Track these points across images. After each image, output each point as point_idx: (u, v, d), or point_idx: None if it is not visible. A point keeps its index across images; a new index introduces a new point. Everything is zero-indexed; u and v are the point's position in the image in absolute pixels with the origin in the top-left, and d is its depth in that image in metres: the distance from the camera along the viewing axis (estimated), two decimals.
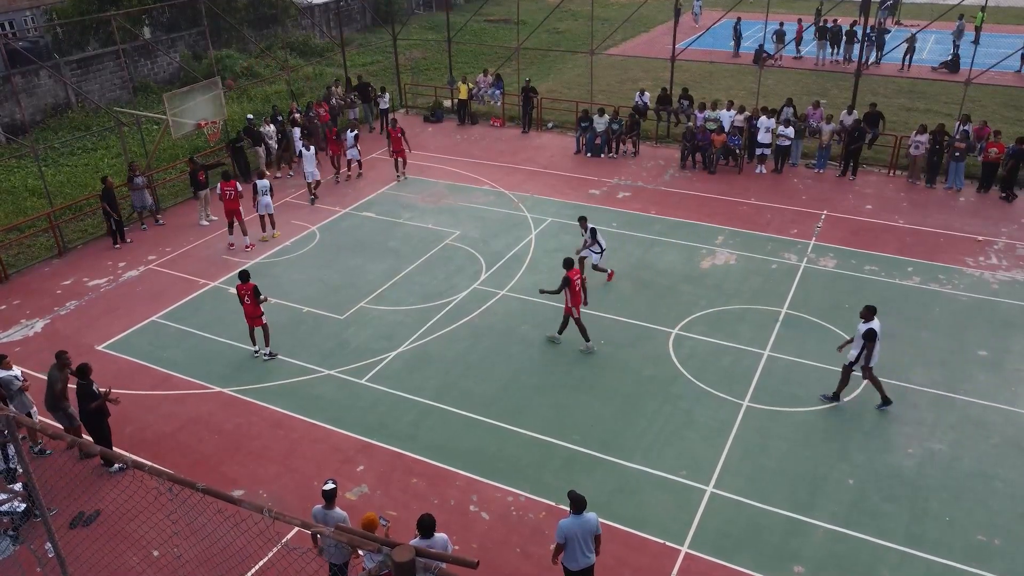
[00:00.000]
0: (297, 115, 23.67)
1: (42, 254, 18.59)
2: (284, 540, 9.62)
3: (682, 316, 15.03)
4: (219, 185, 18.24)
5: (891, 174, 21.84)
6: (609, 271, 16.38)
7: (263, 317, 13.91)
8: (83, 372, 11.16)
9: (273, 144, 22.79)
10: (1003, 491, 10.75)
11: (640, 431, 12.05)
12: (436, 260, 17.55)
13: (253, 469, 11.56)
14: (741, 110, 22.64)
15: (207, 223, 19.84)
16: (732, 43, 34.91)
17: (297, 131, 22.60)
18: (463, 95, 26.96)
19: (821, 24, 32.58)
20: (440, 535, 8.20)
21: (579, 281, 13.71)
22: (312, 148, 20.48)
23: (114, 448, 11.38)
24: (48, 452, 12.06)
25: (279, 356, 14.16)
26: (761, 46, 31.59)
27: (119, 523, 9.61)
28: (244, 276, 13.82)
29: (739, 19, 34.46)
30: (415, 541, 7.98)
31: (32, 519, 10.33)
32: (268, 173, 22.16)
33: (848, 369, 12.29)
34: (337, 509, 8.77)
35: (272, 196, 18.65)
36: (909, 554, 9.81)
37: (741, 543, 10.04)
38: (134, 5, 30.55)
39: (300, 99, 26.98)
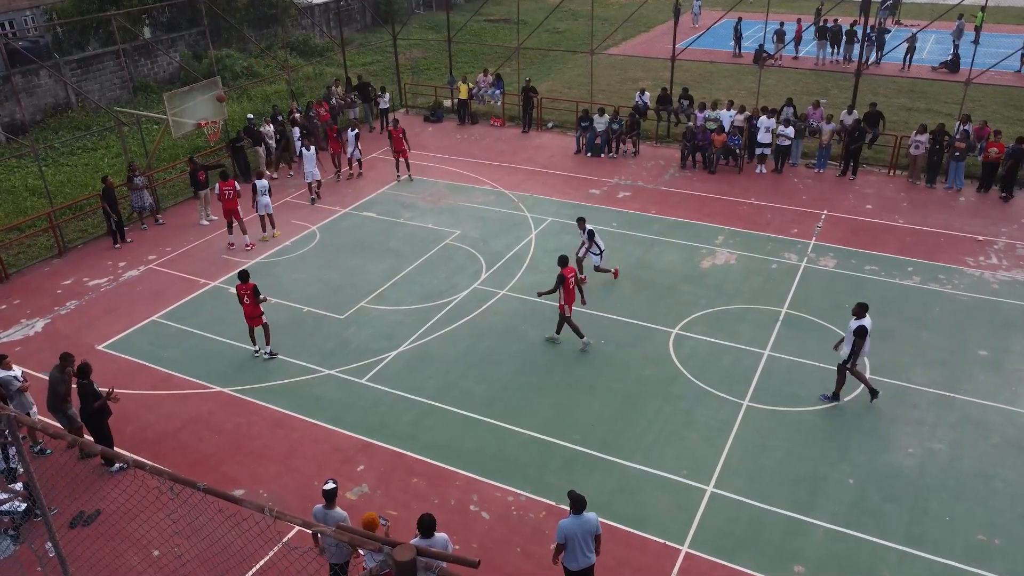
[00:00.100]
0: (297, 115, 23.67)
1: (42, 254, 18.59)
2: (285, 539, 9.64)
3: (682, 316, 15.03)
4: (217, 185, 18.26)
5: (891, 174, 21.85)
6: (613, 269, 16.39)
7: (263, 317, 13.91)
8: (83, 371, 11.16)
9: (272, 144, 22.78)
10: (1003, 491, 10.76)
11: (640, 431, 12.05)
12: (436, 260, 17.55)
13: (253, 469, 11.56)
14: (741, 110, 22.65)
15: (207, 223, 19.84)
16: (732, 43, 34.91)
17: (297, 131, 22.61)
18: (463, 95, 26.96)
19: (821, 24, 32.59)
20: (440, 535, 8.20)
21: (573, 279, 13.73)
22: (312, 148, 20.48)
23: (114, 448, 11.38)
24: (48, 452, 12.07)
25: (280, 356, 14.16)
26: (761, 46, 31.59)
27: (120, 522, 9.60)
28: (244, 276, 13.83)
29: (740, 19, 34.46)
30: (415, 541, 7.98)
31: (32, 519, 10.34)
32: (268, 173, 22.23)
33: (843, 368, 12.31)
34: (337, 509, 8.77)
35: (270, 196, 18.64)
36: (909, 554, 9.81)
37: (741, 543, 10.04)
38: (134, 5, 30.54)
39: (300, 99, 26.98)
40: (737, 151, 22.29)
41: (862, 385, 12.84)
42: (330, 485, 8.75)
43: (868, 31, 30.02)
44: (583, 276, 16.17)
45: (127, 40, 29.82)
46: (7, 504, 10.23)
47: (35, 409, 11.87)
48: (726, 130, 22.35)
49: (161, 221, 20.11)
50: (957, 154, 20.26)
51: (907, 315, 14.90)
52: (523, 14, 35.39)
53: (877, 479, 11.00)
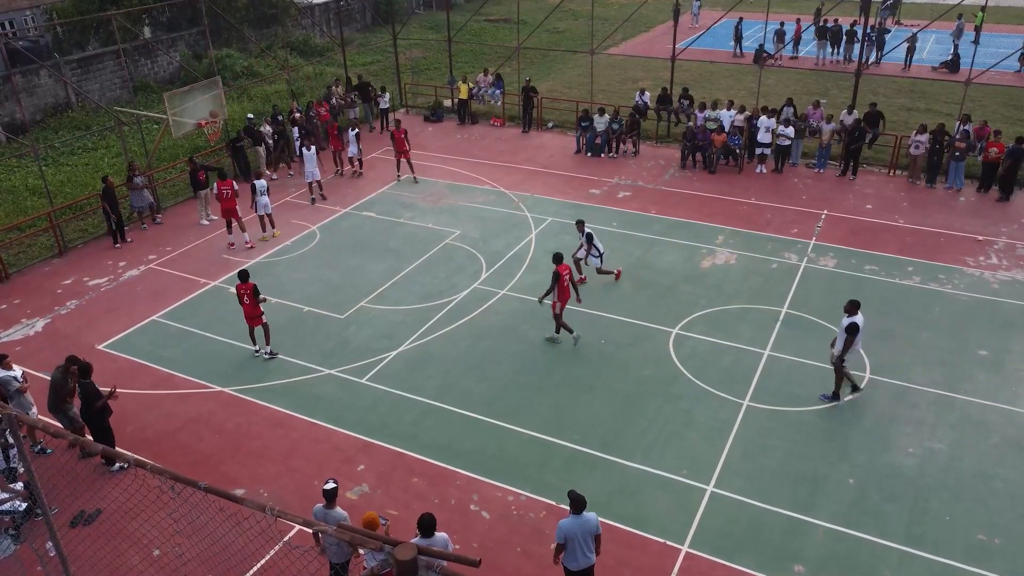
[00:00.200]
0: (297, 114, 23.67)
1: (42, 253, 18.60)
2: (286, 538, 9.64)
3: (682, 316, 15.04)
4: (215, 184, 18.28)
5: (891, 174, 21.85)
6: (616, 271, 16.39)
7: (263, 317, 13.91)
8: (85, 371, 11.16)
9: (271, 144, 22.77)
10: (1003, 491, 10.76)
11: (640, 431, 12.05)
12: (436, 260, 17.55)
13: (253, 468, 11.56)
14: (741, 110, 22.65)
15: (207, 223, 19.84)
16: (733, 43, 34.91)
17: (296, 130, 22.61)
18: (463, 95, 26.97)
19: (821, 24, 32.61)
20: (441, 534, 8.20)
21: (567, 276, 13.76)
22: (313, 148, 20.48)
23: (116, 447, 11.38)
24: (49, 451, 12.07)
25: (280, 356, 14.16)
26: (761, 46, 31.60)
27: (120, 522, 9.60)
28: (243, 276, 13.83)
29: (741, 19, 34.47)
30: (415, 540, 7.98)
31: (33, 518, 10.34)
32: (267, 173, 22.24)
33: (839, 365, 12.34)
34: (338, 508, 8.78)
35: (268, 196, 18.63)
36: (909, 554, 9.82)
37: (742, 543, 10.04)
38: (134, 4, 30.53)
39: (300, 99, 26.98)
40: (737, 151, 22.29)
41: (862, 384, 12.88)
42: (330, 485, 8.76)
43: (868, 31, 30.02)
44: (583, 276, 16.18)
45: (127, 40, 29.81)
46: (8, 504, 10.23)
47: (35, 409, 11.87)
48: (726, 130, 22.36)
49: (159, 220, 20.11)
50: (957, 154, 20.27)
51: (907, 315, 14.90)
52: (523, 14, 35.39)
53: (877, 479, 11.01)
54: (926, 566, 9.65)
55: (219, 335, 14.93)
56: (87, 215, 19.97)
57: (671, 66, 25.67)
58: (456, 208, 20.25)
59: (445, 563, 4.19)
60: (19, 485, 10.77)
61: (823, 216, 19.20)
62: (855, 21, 34.98)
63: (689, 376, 13.29)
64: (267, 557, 9.43)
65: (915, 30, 31.20)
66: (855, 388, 12.69)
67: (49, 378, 11.72)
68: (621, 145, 23.73)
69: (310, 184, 20.69)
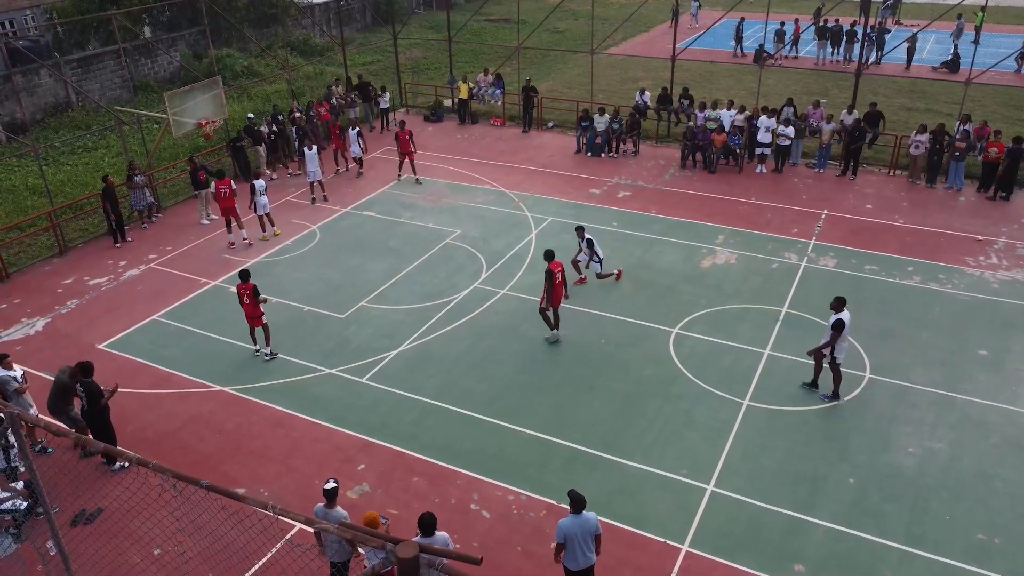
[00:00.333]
0: (298, 114, 23.67)
1: (43, 253, 18.60)
2: (287, 536, 9.65)
3: (682, 315, 15.05)
4: (213, 184, 18.29)
5: (891, 174, 21.86)
6: (616, 271, 16.39)
7: (263, 317, 13.90)
8: (86, 370, 11.16)
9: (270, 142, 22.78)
10: (1003, 491, 10.77)
11: (641, 430, 12.06)
12: (437, 259, 17.56)
13: (254, 468, 11.57)
14: (741, 110, 22.66)
15: (207, 222, 19.85)
16: (734, 43, 34.91)
17: (295, 130, 22.62)
18: (463, 94, 26.98)
19: (821, 24, 32.62)
20: (441, 533, 8.21)
21: (560, 274, 13.77)
22: (314, 148, 20.49)
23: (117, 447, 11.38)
24: (49, 450, 12.07)
25: (280, 355, 14.16)
26: (761, 45, 31.61)
27: (121, 520, 9.61)
28: (244, 276, 13.83)
29: (742, 19, 34.48)
30: (416, 539, 7.99)
31: (34, 517, 10.34)
32: (267, 173, 22.26)
33: (833, 364, 12.37)
34: (338, 508, 8.79)
35: (267, 196, 18.63)
36: (910, 553, 9.83)
37: (742, 542, 10.05)
38: (134, 4, 30.53)
39: (300, 98, 26.99)
40: (737, 151, 22.30)
41: (862, 385, 12.90)
42: (331, 484, 8.76)
43: (868, 31, 30.04)
44: (583, 276, 16.20)
45: (127, 39, 29.81)
46: (8, 502, 10.24)
47: (34, 409, 11.86)
48: (726, 130, 22.37)
49: (155, 219, 20.09)
50: (957, 154, 20.28)
51: (907, 315, 14.91)
52: (523, 14, 35.39)
53: (877, 479, 11.02)
54: (926, 566, 9.66)
55: (219, 335, 14.93)
56: (87, 214, 19.98)
57: (671, 66, 25.68)
58: (456, 208, 20.26)
59: (446, 561, 4.20)
60: (20, 484, 10.78)
61: (823, 216, 19.21)
62: (855, 21, 34.99)
63: (689, 376, 13.30)
64: (268, 555, 9.45)
65: (915, 30, 31.22)
66: (813, 385, 12.79)
67: (50, 378, 11.72)
68: (621, 145, 23.74)
69: (311, 184, 20.70)
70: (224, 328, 15.07)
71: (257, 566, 9.55)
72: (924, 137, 20.55)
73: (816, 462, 11.35)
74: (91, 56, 29.82)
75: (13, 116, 26.76)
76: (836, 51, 33.44)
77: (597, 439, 11.89)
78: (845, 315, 12.10)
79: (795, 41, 33.82)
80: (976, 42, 27.22)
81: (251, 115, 22.86)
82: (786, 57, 33.68)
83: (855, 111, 21.90)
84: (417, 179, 21.98)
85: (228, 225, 18.41)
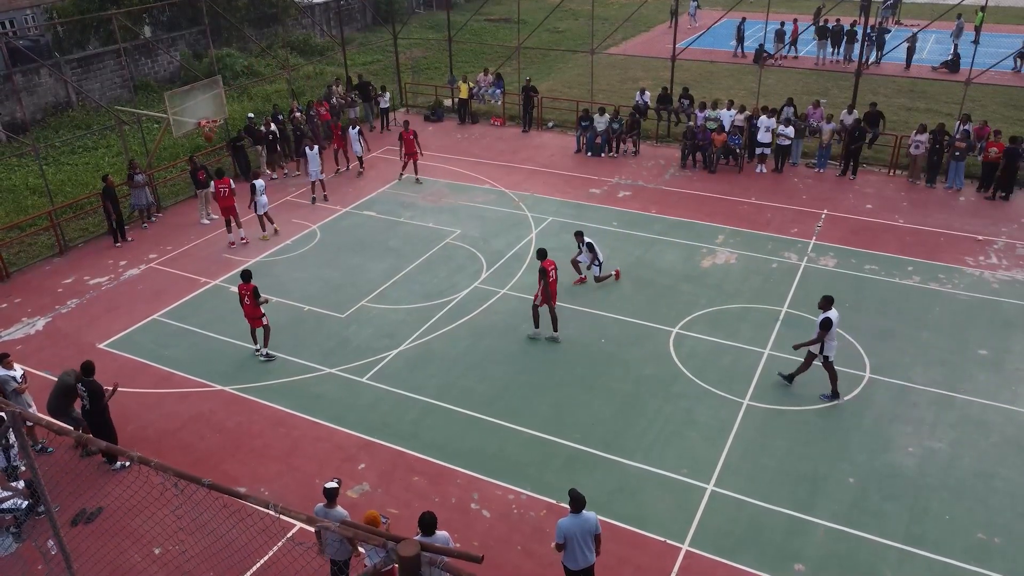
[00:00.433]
0: (297, 114, 23.67)
1: (43, 252, 18.60)
2: (289, 535, 9.65)
3: (683, 315, 15.05)
4: (212, 183, 18.30)
5: (891, 174, 21.87)
6: (614, 272, 16.40)
7: (264, 318, 13.88)
8: (88, 370, 11.16)
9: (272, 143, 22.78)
10: (1003, 490, 10.78)
11: (641, 430, 12.07)
12: (437, 259, 17.56)
13: (254, 467, 11.57)
14: (741, 109, 22.66)
15: (208, 222, 19.85)
16: (735, 43, 34.91)
17: (292, 130, 22.65)
18: (464, 94, 26.98)
19: (822, 24, 32.62)
20: (441, 533, 8.22)
21: (554, 272, 13.80)
22: (315, 148, 20.50)
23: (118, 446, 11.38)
24: (50, 450, 12.07)
25: (280, 355, 14.14)
26: (761, 45, 31.61)
27: (122, 520, 9.63)
28: (246, 276, 13.82)
29: (744, 19, 34.48)
30: (416, 538, 8.00)
31: (35, 516, 10.35)
32: (267, 172, 22.26)
33: (827, 363, 12.40)
34: (339, 508, 8.79)
35: (266, 195, 18.62)
36: (910, 553, 9.84)
37: (742, 541, 10.06)
38: (135, 4, 30.52)
39: (300, 98, 26.99)
40: (737, 151, 22.31)
41: (862, 384, 12.91)
42: (333, 484, 8.76)
43: (868, 31, 30.04)
44: (583, 276, 16.21)
45: (127, 39, 29.80)
46: (9, 502, 10.24)
47: (33, 408, 11.86)
48: (726, 130, 22.37)
49: (154, 219, 20.08)
50: (957, 154, 20.28)
51: (907, 315, 14.92)
52: (523, 14, 35.38)
53: (877, 478, 11.02)
54: (926, 565, 9.67)
55: (220, 334, 14.93)
56: (88, 214, 19.98)
57: (671, 66, 25.68)
58: (456, 207, 20.26)
59: (447, 560, 4.21)
60: (20, 483, 10.78)
61: (823, 216, 19.22)
62: (855, 21, 35.00)
63: (689, 375, 13.30)
64: (269, 554, 9.45)
65: (915, 30, 31.22)
66: (789, 380, 12.86)
67: (50, 377, 11.72)
68: (621, 145, 23.74)
69: (313, 183, 20.71)
70: (224, 327, 15.08)
71: (258, 565, 9.55)
72: (924, 137, 20.56)
73: (816, 462, 11.36)
74: (91, 56, 29.82)
75: (13, 116, 26.76)
76: (836, 51, 33.44)
77: (597, 439, 11.90)
78: (833, 314, 12.14)
79: (793, 41, 33.83)
80: (976, 42, 27.23)
81: (251, 115, 22.86)
82: (786, 57, 33.70)
83: (855, 111, 21.90)
84: (417, 179, 21.99)
85: (228, 225, 18.42)
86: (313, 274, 17.07)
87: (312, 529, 9.28)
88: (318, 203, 20.67)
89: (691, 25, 38.79)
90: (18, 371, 11.79)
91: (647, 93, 24.96)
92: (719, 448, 11.64)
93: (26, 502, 10.28)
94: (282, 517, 4.46)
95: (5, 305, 16.37)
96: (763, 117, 21.81)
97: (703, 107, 23.25)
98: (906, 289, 15.84)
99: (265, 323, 13.92)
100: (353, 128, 22.23)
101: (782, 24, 33.75)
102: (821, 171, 22.03)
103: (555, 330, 14.29)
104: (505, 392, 13.05)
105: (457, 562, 4.20)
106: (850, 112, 21.83)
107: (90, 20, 30.57)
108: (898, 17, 40.05)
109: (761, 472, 11.18)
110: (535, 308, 14.27)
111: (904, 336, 14.24)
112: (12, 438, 10.68)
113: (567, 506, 8.59)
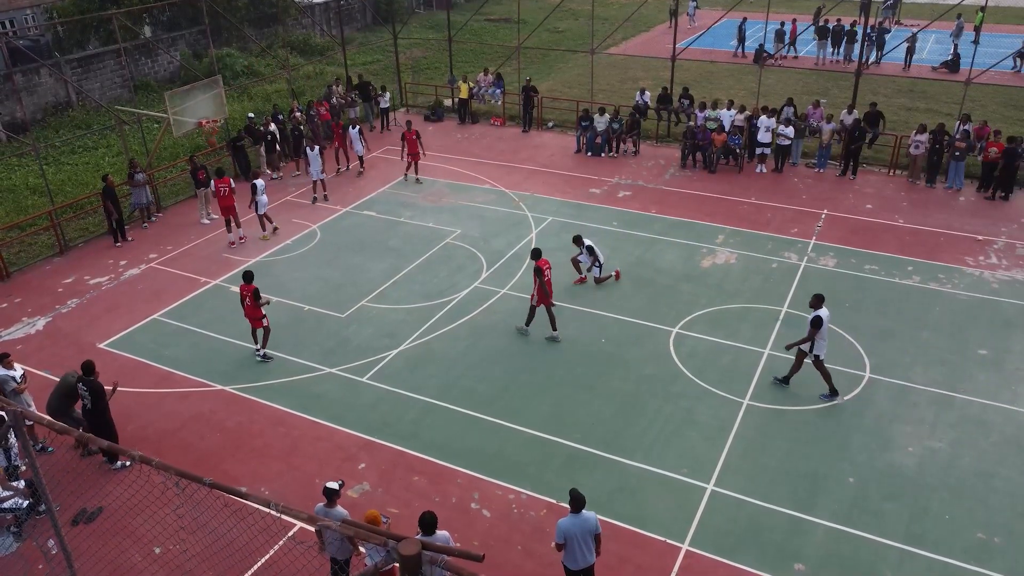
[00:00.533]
0: (298, 114, 23.68)
1: (43, 252, 18.61)
2: (290, 534, 9.66)
3: (683, 315, 15.06)
4: (212, 183, 18.31)
5: (891, 174, 21.88)
6: (614, 272, 16.41)
7: (264, 320, 13.87)
8: (88, 369, 11.16)
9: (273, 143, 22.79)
10: (1003, 490, 10.79)
11: (641, 430, 12.07)
12: (437, 259, 17.57)
13: (255, 467, 11.58)
14: (741, 109, 22.67)
15: (208, 221, 19.86)
16: (735, 43, 34.91)
17: (291, 129, 22.65)
18: (464, 94, 26.99)
19: (822, 24, 32.62)
20: (442, 532, 8.21)
21: (549, 271, 13.82)
22: (316, 148, 20.51)
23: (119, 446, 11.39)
24: (50, 449, 12.07)
25: (281, 355, 14.14)
26: (761, 45, 31.63)
27: (123, 519, 9.63)
28: (247, 277, 13.81)
29: (744, 19, 34.48)
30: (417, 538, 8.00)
31: (35, 515, 10.35)
32: (267, 172, 22.27)
33: (817, 363, 12.42)
34: (339, 507, 8.79)
35: (266, 195, 18.62)
36: (910, 552, 9.84)
37: (742, 541, 10.06)
38: (135, 4, 30.53)
39: (300, 98, 27.00)
40: (737, 151, 22.31)
41: (862, 384, 12.91)
42: (334, 484, 8.76)
43: (868, 31, 30.05)
44: (583, 276, 16.22)
45: (128, 39, 29.81)
46: (10, 501, 10.25)
47: (33, 408, 11.85)
48: (726, 129, 22.38)
49: (154, 219, 20.09)
50: (957, 154, 20.29)
51: (907, 315, 14.93)
52: (523, 14, 35.39)
53: (877, 478, 11.03)
54: (926, 565, 9.67)
55: (220, 334, 14.94)
56: (88, 214, 19.98)
57: (671, 66, 25.69)
58: (456, 207, 20.26)
59: (448, 558, 4.21)
60: (21, 483, 10.79)
61: (823, 216, 19.22)
62: (855, 21, 35.01)
63: (689, 375, 13.31)
64: (270, 553, 9.46)
65: (915, 30, 31.23)
66: (784, 382, 12.87)
67: (50, 377, 11.72)
68: (621, 145, 23.75)
69: (314, 183, 20.71)
70: (225, 327, 15.08)
71: (258, 564, 9.56)
72: (924, 137, 20.57)
73: (816, 461, 11.36)
74: (91, 55, 29.82)
75: (13, 115, 26.77)
76: (836, 51, 33.45)
77: (597, 438, 11.90)
78: (824, 312, 12.16)
79: (792, 41, 33.84)
80: (976, 42, 27.23)
81: (251, 115, 22.86)
82: (786, 57, 33.71)
83: (855, 111, 21.90)
84: (418, 179, 22.00)
85: (228, 224, 18.42)
86: (313, 274, 17.08)
87: (312, 528, 9.28)
88: (318, 203, 20.68)
89: (690, 25, 38.81)
90: (18, 371, 11.79)
91: (647, 93, 24.97)
92: (719, 448, 11.65)
93: (27, 501, 10.28)
94: (283, 516, 4.46)
95: (5, 305, 16.37)
96: (763, 117, 21.82)
97: (703, 107, 23.26)
98: (906, 289, 15.85)
99: (265, 324, 13.92)
100: (354, 128, 22.23)
101: (782, 24, 33.75)
102: (821, 171, 22.04)
103: (553, 329, 14.29)
104: (505, 392, 13.06)
105: (458, 561, 4.21)
106: (850, 112, 21.84)
107: (90, 20, 30.57)
108: (898, 17, 40.06)
109: (761, 472, 11.19)
110: (532, 308, 14.28)
111: (904, 336, 14.24)
112: (13, 438, 10.69)
113: (567, 506, 8.59)
